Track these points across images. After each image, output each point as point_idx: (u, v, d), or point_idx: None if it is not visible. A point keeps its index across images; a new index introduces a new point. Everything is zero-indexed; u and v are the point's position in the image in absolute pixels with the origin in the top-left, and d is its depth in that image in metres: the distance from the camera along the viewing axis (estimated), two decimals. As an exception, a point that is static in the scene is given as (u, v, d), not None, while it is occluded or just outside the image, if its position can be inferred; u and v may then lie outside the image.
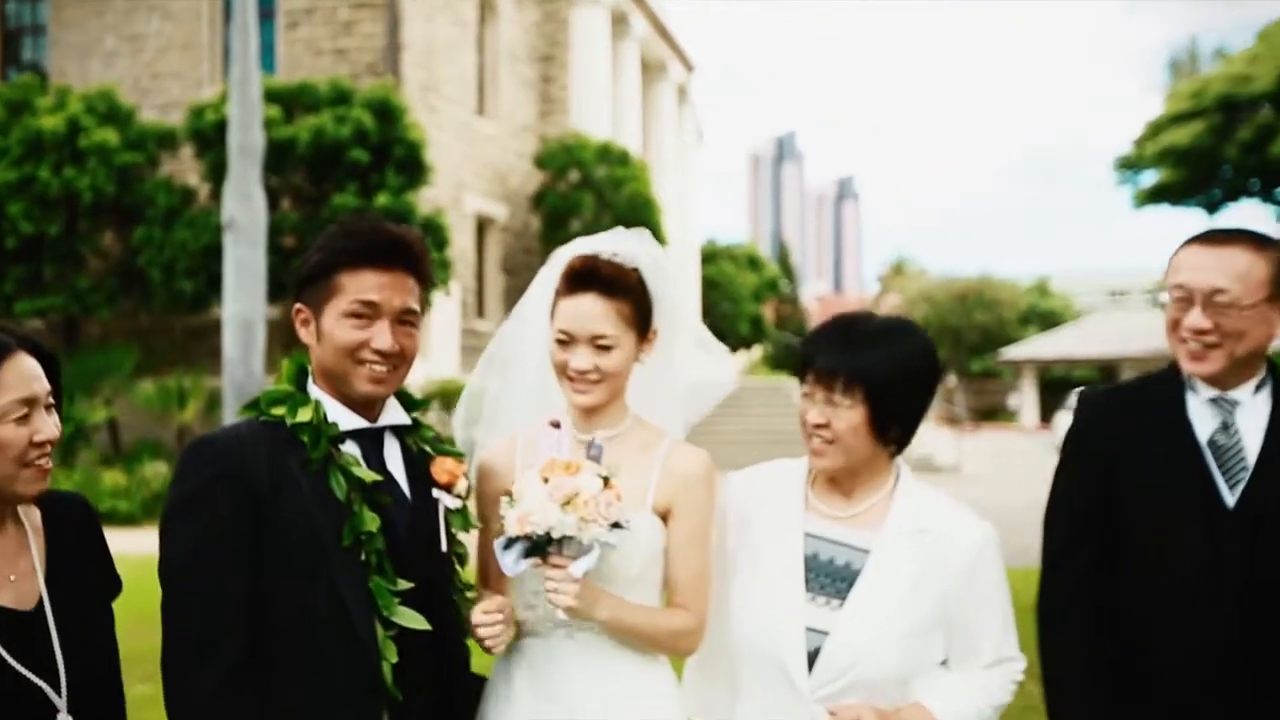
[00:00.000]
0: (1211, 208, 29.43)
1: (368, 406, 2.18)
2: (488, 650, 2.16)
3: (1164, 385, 2.31)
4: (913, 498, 2.24)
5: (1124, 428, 2.31)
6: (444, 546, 2.21)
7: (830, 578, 2.21)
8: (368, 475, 2.10)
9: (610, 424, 2.32)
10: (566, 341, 2.29)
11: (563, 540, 2.05)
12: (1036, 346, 42.08)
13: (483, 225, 22.02)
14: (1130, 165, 29.05)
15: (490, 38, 22.53)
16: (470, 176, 21.24)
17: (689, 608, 2.28)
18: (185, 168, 17.65)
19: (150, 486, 14.38)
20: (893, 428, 2.18)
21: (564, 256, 2.39)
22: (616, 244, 2.35)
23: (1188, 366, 2.21)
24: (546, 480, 2.05)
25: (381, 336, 2.09)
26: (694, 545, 2.29)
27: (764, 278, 41.86)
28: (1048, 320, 48.88)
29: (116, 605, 2.13)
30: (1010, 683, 2.20)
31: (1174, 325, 2.21)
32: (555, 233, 21.41)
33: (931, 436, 25.01)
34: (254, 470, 2.01)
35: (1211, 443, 2.23)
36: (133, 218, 17.31)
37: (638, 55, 27.62)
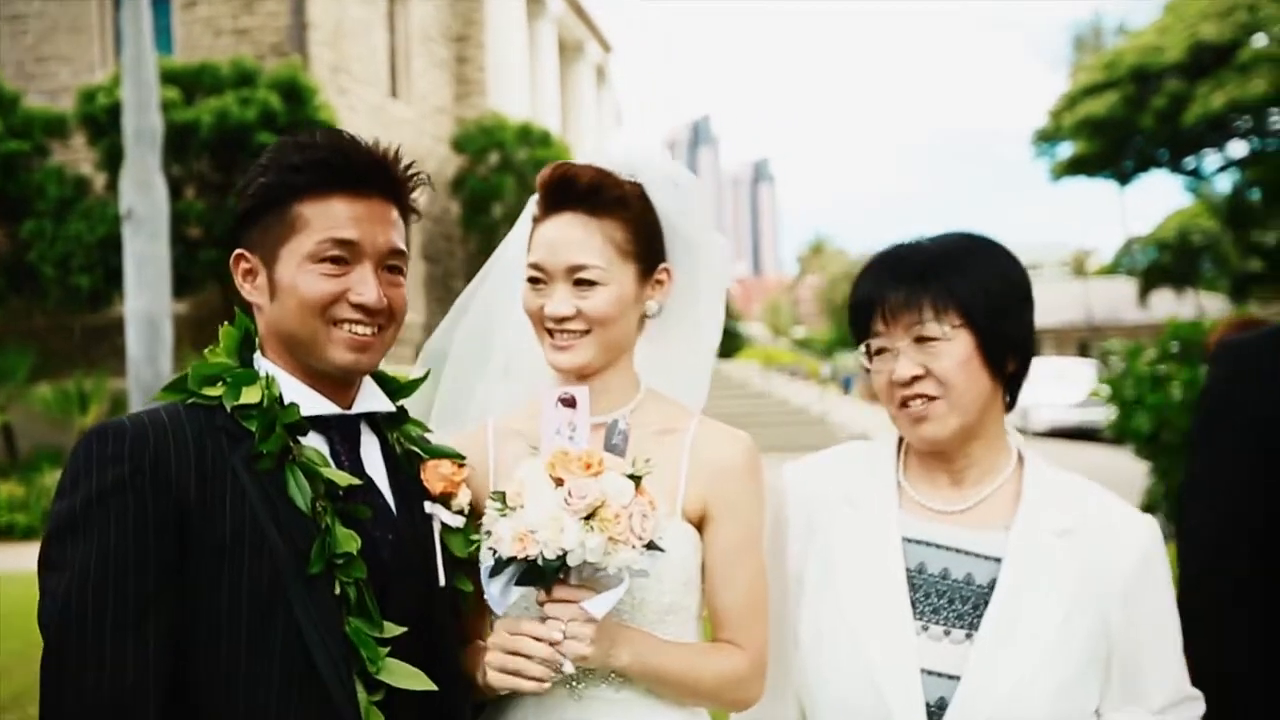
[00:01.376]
0: (1123, 178, 29.96)
1: (341, 387, 1.66)
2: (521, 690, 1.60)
3: None
4: (1049, 483, 1.74)
5: None
6: (441, 578, 1.69)
7: (946, 598, 1.69)
8: (341, 478, 1.57)
9: (615, 400, 1.80)
10: (540, 280, 1.76)
11: (580, 566, 1.54)
12: (958, 321, 42.36)
13: (401, 212, 21.19)
14: (1048, 138, 29.38)
15: (401, 16, 21.70)
16: (385, 161, 20.38)
17: (740, 644, 1.74)
18: (78, 156, 16.69)
19: (50, 497, 13.39)
20: (1009, 355, 1.70)
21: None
22: (619, 152, 1.82)
23: None
24: (560, 482, 1.53)
25: (364, 286, 1.62)
26: (742, 560, 1.75)
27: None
28: (967, 295, 49.35)
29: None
30: None
31: None
32: (476, 218, 20.85)
33: (865, 414, 24.96)
34: (178, 470, 1.51)
35: None
36: (20, 210, 16.26)
37: (555, 35, 27.12)
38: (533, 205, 1.85)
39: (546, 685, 1.56)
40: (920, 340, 1.67)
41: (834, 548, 1.77)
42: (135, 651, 1.44)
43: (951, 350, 1.66)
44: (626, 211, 1.77)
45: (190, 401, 1.61)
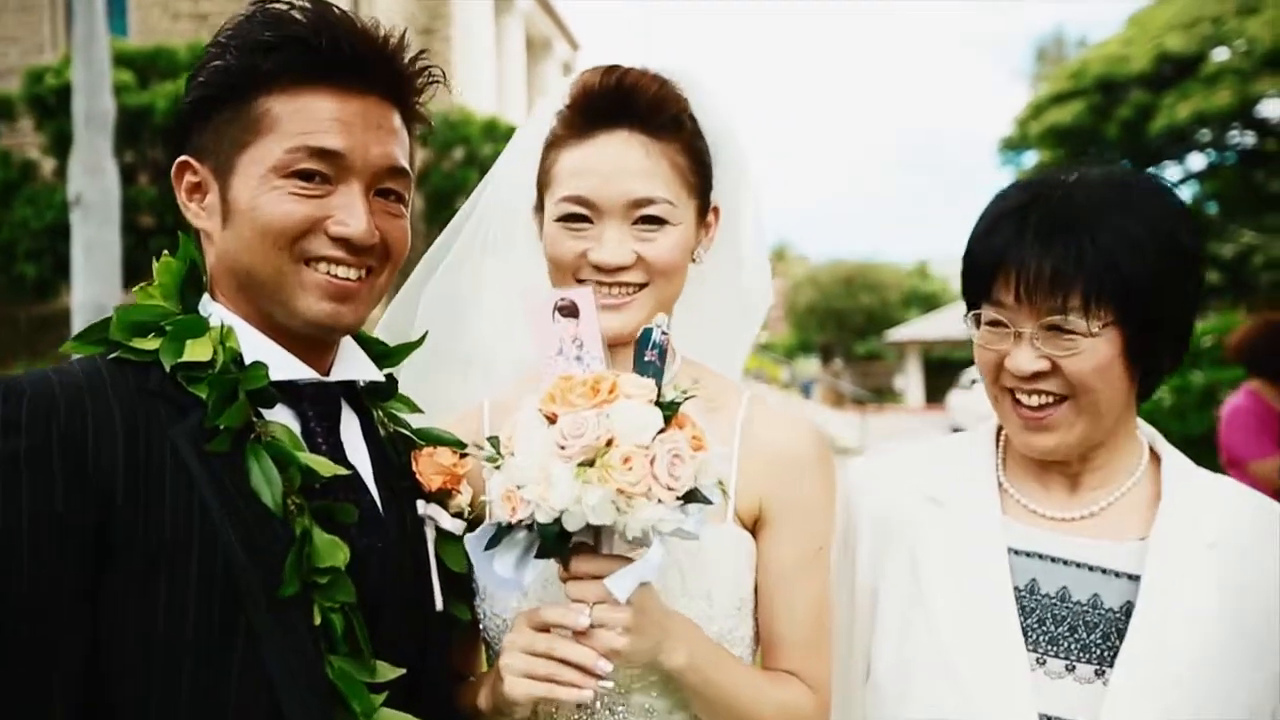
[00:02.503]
0: (1085, 189, 30.15)
1: (315, 347, 1.30)
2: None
3: None
4: (1192, 484, 1.43)
5: None
6: (439, 600, 1.33)
7: (1067, 625, 1.38)
8: (323, 465, 1.21)
9: None
10: (583, 217, 1.41)
11: (599, 531, 1.19)
12: (920, 328, 42.66)
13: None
14: (1014, 146, 29.45)
15: (366, 7, 21.26)
16: (347, 154, 20.10)
17: (804, 676, 1.43)
18: (25, 140, 16.21)
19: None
20: (1164, 355, 1.40)
21: (558, 93, 1.51)
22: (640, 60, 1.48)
23: None
24: (552, 419, 1.17)
25: (348, 213, 1.26)
26: (807, 575, 1.44)
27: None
28: (929, 303, 49.74)
29: None
30: None
31: None
32: (439, 213, 20.44)
33: (826, 416, 24.85)
34: (97, 448, 1.14)
35: None
36: (-36, 196, 15.72)
37: (522, 31, 26.93)
38: (543, 124, 1.48)
39: (587, 693, 1.19)
40: (1053, 329, 1.35)
41: (920, 558, 1.46)
42: (31, 711, 1.06)
43: (1094, 349, 1.35)
44: (684, 133, 1.45)
45: (114, 356, 1.21)
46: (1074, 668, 1.39)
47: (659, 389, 1.20)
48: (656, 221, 1.42)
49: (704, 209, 1.50)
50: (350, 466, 1.30)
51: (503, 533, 1.21)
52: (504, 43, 25.71)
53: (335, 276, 1.28)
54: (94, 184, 10.44)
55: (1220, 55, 24.72)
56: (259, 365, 1.24)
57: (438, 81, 1.38)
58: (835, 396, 35.75)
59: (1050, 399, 1.39)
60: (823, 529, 1.48)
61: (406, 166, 1.34)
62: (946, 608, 1.43)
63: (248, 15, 1.31)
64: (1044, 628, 1.40)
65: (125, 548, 1.13)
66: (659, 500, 1.16)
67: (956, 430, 26.31)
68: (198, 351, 1.23)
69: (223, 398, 1.21)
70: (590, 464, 1.15)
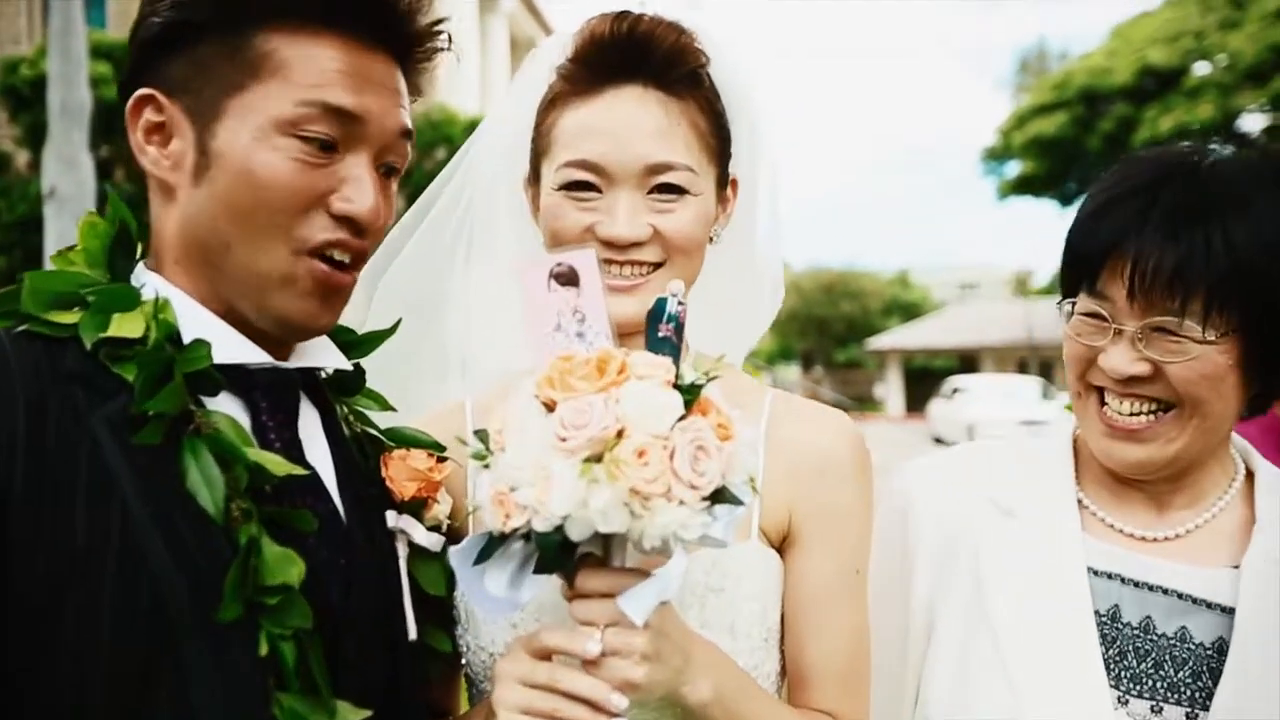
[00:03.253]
0: (1066, 200, 30.29)
1: (283, 334, 1.13)
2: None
3: None
4: None
5: None
6: (412, 629, 1.13)
7: (1152, 660, 1.23)
8: (275, 463, 1.03)
9: None
10: (590, 185, 1.22)
11: (609, 540, 1.01)
12: (901, 336, 42.74)
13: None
14: (996, 156, 29.56)
15: (349, 4, 21.15)
16: (329, 152, 19.97)
17: (839, 714, 1.24)
18: (-1, 132, 15.96)
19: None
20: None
21: (556, 40, 1.33)
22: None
23: None
24: (553, 407, 0.99)
25: (359, 188, 1.08)
26: (844, 597, 1.26)
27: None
28: (909, 311, 49.89)
29: None
30: None
31: None
32: (422, 214, 20.25)
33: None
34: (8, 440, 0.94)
35: None
36: (-66, 187, 15.51)
37: (506, 31, 26.85)
38: (537, 83, 1.30)
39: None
40: (1162, 330, 1.20)
41: (986, 573, 1.30)
42: None
43: (1207, 356, 1.19)
44: (704, 91, 1.27)
45: (22, 329, 1.03)
46: (1160, 709, 1.24)
47: (677, 369, 1.00)
48: (675, 191, 1.23)
49: (723, 180, 1.32)
50: (309, 467, 1.11)
51: (494, 544, 1.01)
52: (488, 42, 25.59)
53: (330, 261, 1.09)
54: (69, 177, 10.13)
55: (1202, 69, 24.88)
56: (200, 344, 1.04)
57: (445, 49, 1.20)
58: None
59: (1147, 407, 1.24)
60: (860, 545, 1.28)
61: (413, 134, 1.16)
62: (1014, 631, 1.27)
63: None
64: (1125, 661, 1.26)
65: (23, 559, 0.93)
66: (681, 501, 0.95)
67: (938, 440, 26.48)
68: (126, 327, 1.03)
69: (153, 378, 1.00)
70: (598, 459, 0.95)
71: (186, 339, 1.06)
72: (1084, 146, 26.63)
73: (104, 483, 0.97)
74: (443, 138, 21.08)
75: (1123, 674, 1.25)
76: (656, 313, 1.06)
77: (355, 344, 1.26)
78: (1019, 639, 1.27)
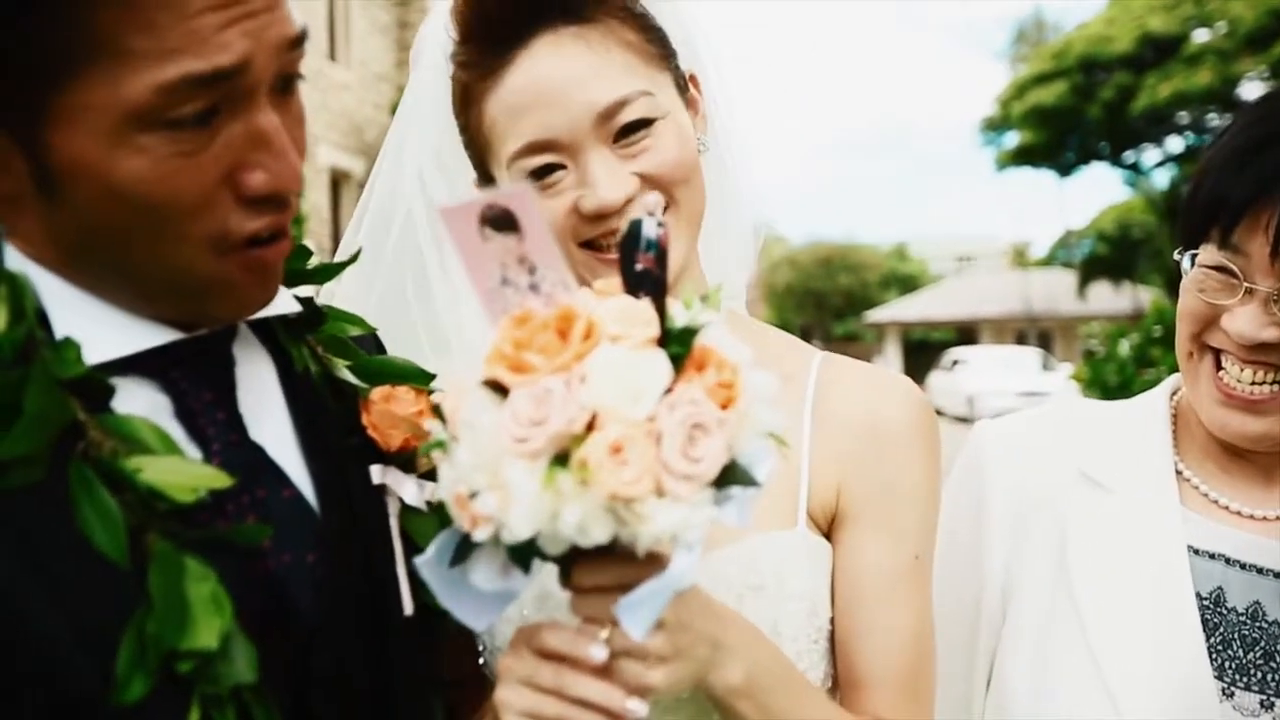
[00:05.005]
0: (1064, 170, 30.14)
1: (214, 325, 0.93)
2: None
3: None
4: None
5: None
6: (407, 603, 0.97)
7: (1260, 650, 1.13)
8: (176, 486, 0.81)
9: None
10: (551, 166, 1.06)
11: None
12: (899, 309, 42.66)
13: (338, 181, 20.52)
14: (995, 126, 29.37)
15: (342, -24, 20.85)
16: (323, 128, 19.72)
17: (896, 717, 1.09)
18: None
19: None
20: None
21: (432, 31, 1.18)
22: None
23: None
24: (501, 389, 0.79)
25: (264, 155, 0.83)
26: (901, 589, 1.10)
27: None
28: (907, 284, 49.80)
29: None
30: None
31: None
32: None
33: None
34: None
35: None
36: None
37: None
38: (441, 55, 1.14)
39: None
40: None
41: (1072, 549, 1.20)
42: None
43: None
44: (623, 7, 1.11)
45: None
46: (1272, 704, 1.15)
47: (663, 312, 0.81)
48: (641, 125, 1.07)
49: (681, 83, 1.16)
50: (254, 448, 0.92)
51: (469, 545, 0.84)
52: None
53: (262, 247, 0.87)
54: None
55: (1202, 36, 24.69)
56: (67, 345, 0.82)
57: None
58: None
59: (1272, 376, 1.14)
60: (920, 528, 1.12)
61: (304, 38, 0.87)
62: (1103, 615, 1.18)
63: None
64: (1230, 651, 1.16)
65: None
66: (676, 494, 0.77)
67: (938, 413, 26.19)
68: None
69: (8, 407, 0.77)
70: (565, 458, 0.77)
71: (57, 333, 0.84)
72: (1083, 115, 26.46)
73: None
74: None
75: (1227, 664, 1.17)
76: (631, 239, 0.83)
77: (304, 274, 1.03)
78: (1109, 624, 1.17)
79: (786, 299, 45.68)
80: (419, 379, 1.05)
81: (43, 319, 0.85)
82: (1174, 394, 1.33)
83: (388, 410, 1.01)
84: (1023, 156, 29.26)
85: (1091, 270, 33.83)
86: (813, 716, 1.02)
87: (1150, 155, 29.69)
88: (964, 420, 22.48)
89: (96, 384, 0.83)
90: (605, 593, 0.84)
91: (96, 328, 0.86)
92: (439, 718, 1.05)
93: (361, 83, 21.18)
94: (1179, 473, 1.26)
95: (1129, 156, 29.79)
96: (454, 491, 0.82)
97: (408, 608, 0.97)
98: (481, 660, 1.17)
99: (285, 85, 0.87)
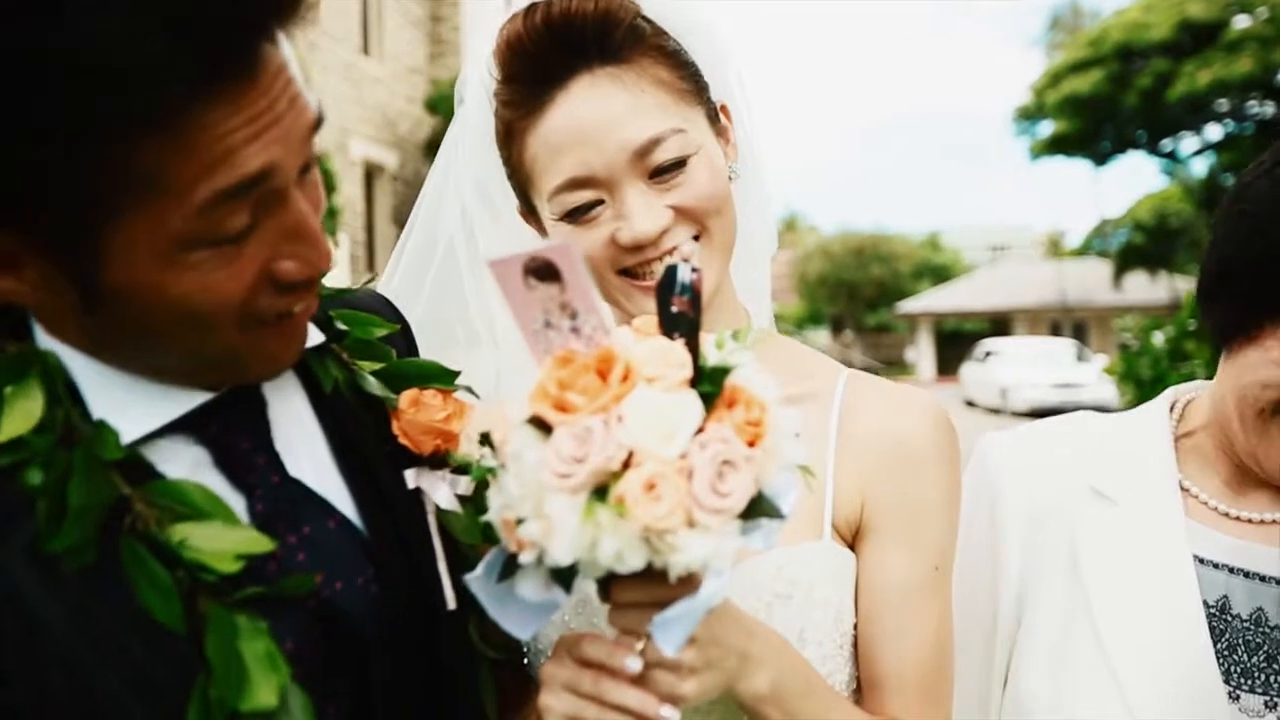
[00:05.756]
0: (1100, 159, 29.77)
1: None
2: None
3: None
4: None
5: None
6: (450, 597, 1.03)
7: (1264, 654, 1.19)
8: (218, 556, 0.86)
9: None
10: (591, 204, 1.12)
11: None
12: (932, 300, 42.36)
13: (371, 174, 20.66)
14: (1029, 115, 29.06)
15: (375, -30, 20.96)
16: (356, 121, 19.90)
17: (916, 718, 1.15)
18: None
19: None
20: None
21: (476, 70, 1.23)
22: None
23: None
24: (545, 426, 0.85)
25: (299, 247, 0.87)
26: (920, 598, 1.16)
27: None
28: (940, 274, 49.43)
29: None
30: None
31: None
32: (450, 182, 20.25)
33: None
34: None
35: None
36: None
37: (532, -4, 26.59)
38: (484, 94, 1.20)
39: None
40: None
41: (1084, 562, 1.25)
42: None
43: None
44: (648, 40, 1.16)
45: None
46: (1275, 705, 1.20)
47: (696, 350, 0.87)
48: (674, 165, 1.13)
49: (713, 114, 1.20)
50: (292, 481, 0.96)
51: (515, 564, 0.90)
52: (513, 8, 25.44)
53: (293, 316, 0.92)
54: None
55: (1242, 22, 24.29)
56: (106, 431, 0.86)
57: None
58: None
59: None
60: (941, 540, 1.17)
61: (320, 116, 0.90)
62: (1117, 624, 1.22)
63: None
64: (1236, 655, 1.21)
65: None
66: (705, 525, 0.83)
67: (970, 404, 26.20)
68: (19, 419, 0.83)
69: (57, 505, 0.81)
70: (604, 491, 0.83)
71: (94, 412, 0.88)
72: (1119, 104, 26.13)
73: (27, 636, 0.81)
74: (469, 105, 21.12)
75: (1233, 668, 1.21)
76: (667, 284, 0.88)
77: (323, 296, 1.07)
78: (1122, 632, 1.22)
79: (818, 289, 45.48)
80: (444, 378, 1.10)
81: (74, 394, 0.89)
82: (1173, 406, 1.36)
83: (416, 419, 1.06)
84: (1057, 145, 28.95)
85: (1127, 260, 33.44)
86: (844, 712, 1.08)
87: (1188, 143, 29.32)
88: (996, 412, 22.32)
89: (134, 466, 0.87)
90: (641, 609, 0.91)
91: (130, 399, 0.90)
92: (490, 695, 1.12)
93: (394, 76, 21.32)
94: (1184, 488, 1.29)
95: (1166, 145, 29.38)
96: (502, 516, 0.88)
97: (450, 603, 1.03)
98: (525, 661, 1.23)
99: (306, 167, 0.90)
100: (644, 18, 1.18)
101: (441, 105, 21.10)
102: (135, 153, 0.76)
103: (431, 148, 21.72)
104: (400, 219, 21.28)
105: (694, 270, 0.89)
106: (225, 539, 0.86)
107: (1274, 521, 1.25)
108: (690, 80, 1.18)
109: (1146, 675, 1.19)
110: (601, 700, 0.92)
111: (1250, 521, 1.26)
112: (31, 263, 0.82)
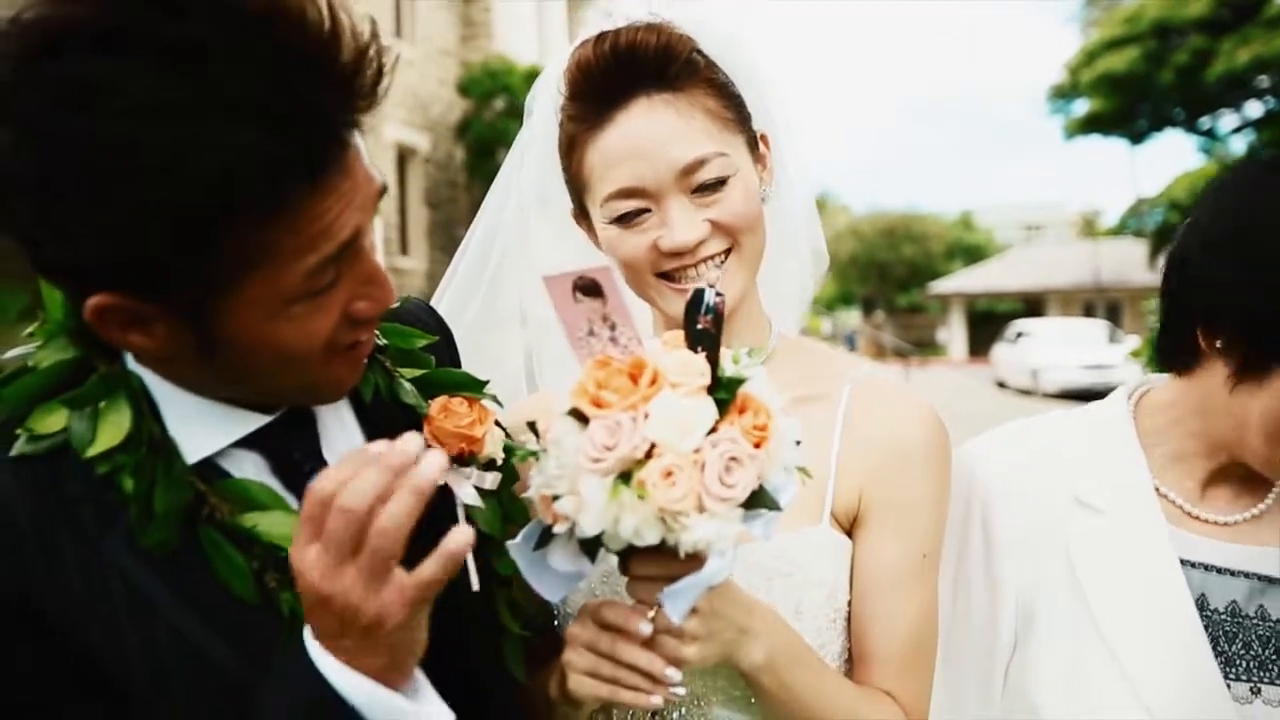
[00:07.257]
0: (1136, 138, 29.41)
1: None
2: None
3: None
4: None
5: None
6: (474, 579, 1.15)
7: (1241, 642, 1.29)
8: (283, 535, 1.05)
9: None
10: (639, 211, 1.27)
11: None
12: (964, 280, 42.12)
13: (404, 156, 20.72)
14: (1064, 94, 28.76)
15: (407, -45, 20.99)
16: (389, 104, 19.74)
17: (899, 698, 1.29)
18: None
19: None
20: None
21: (545, 88, 1.39)
22: (638, 12, 1.32)
23: None
24: (583, 418, 1.01)
25: (371, 285, 1.04)
26: (913, 584, 1.30)
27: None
28: (972, 254, 49.12)
29: None
30: None
31: None
32: (481, 163, 20.31)
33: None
34: (39, 588, 0.97)
35: None
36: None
37: (563, -23, 26.38)
38: (551, 108, 1.35)
39: (656, 700, 1.08)
40: None
41: (1083, 573, 1.35)
42: None
43: None
44: (702, 72, 1.30)
45: (19, 452, 1.00)
46: (1259, 690, 1.29)
47: (715, 362, 1.02)
48: (716, 184, 1.27)
49: (753, 142, 1.35)
50: None
51: (550, 534, 1.07)
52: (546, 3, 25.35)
53: (361, 344, 1.08)
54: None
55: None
56: (172, 458, 1.03)
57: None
58: (877, 349, 35.47)
59: None
60: (930, 532, 1.31)
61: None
62: (1121, 627, 1.30)
63: (173, 82, 0.88)
64: (1219, 647, 1.30)
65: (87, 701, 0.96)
66: (711, 511, 0.98)
67: (1001, 385, 26.02)
68: (110, 432, 1.00)
69: (145, 508, 1.00)
70: (629, 476, 0.98)
71: (172, 431, 1.04)
72: (1155, 82, 25.79)
73: (144, 607, 0.99)
74: (501, 87, 21.03)
75: (1219, 660, 1.29)
76: (694, 305, 1.05)
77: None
78: (1129, 639, 1.30)
79: (850, 270, 45.33)
80: (473, 387, 1.25)
81: (154, 411, 1.05)
82: (1130, 396, 1.44)
83: (444, 425, 1.20)
84: (1092, 124, 28.63)
85: (1163, 240, 33.01)
86: (825, 689, 1.23)
87: (1227, 121, 28.89)
88: (1027, 394, 22.19)
89: (209, 461, 1.05)
90: (654, 581, 1.07)
91: (202, 417, 1.06)
92: (517, 661, 1.27)
93: (426, 58, 21.35)
94: (1160, 494, 1.37)
95: (1204, 123, 28.97)
96: (540, 492, 1.05)
97: (474, 585, 1.17)
98: (555, 623, 1.39)
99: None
100: (699, 52, 1.32)
101: (473, 88, 21.11)
102: (260, 234, 0.92)
103: (463, 129, 21.78)
104: (433, 201, 21.41)
105: (718, 295, 1.05)
106: (288, 524, 1.03)
107: (1239, 522, 1.35)
108: (735, 110, 1.32)
109: (1158, 678, 1.28)
110: (616, 658, 1.09)
111: (1217, 523, 1.35)
112: (162, 320, 0.97)
